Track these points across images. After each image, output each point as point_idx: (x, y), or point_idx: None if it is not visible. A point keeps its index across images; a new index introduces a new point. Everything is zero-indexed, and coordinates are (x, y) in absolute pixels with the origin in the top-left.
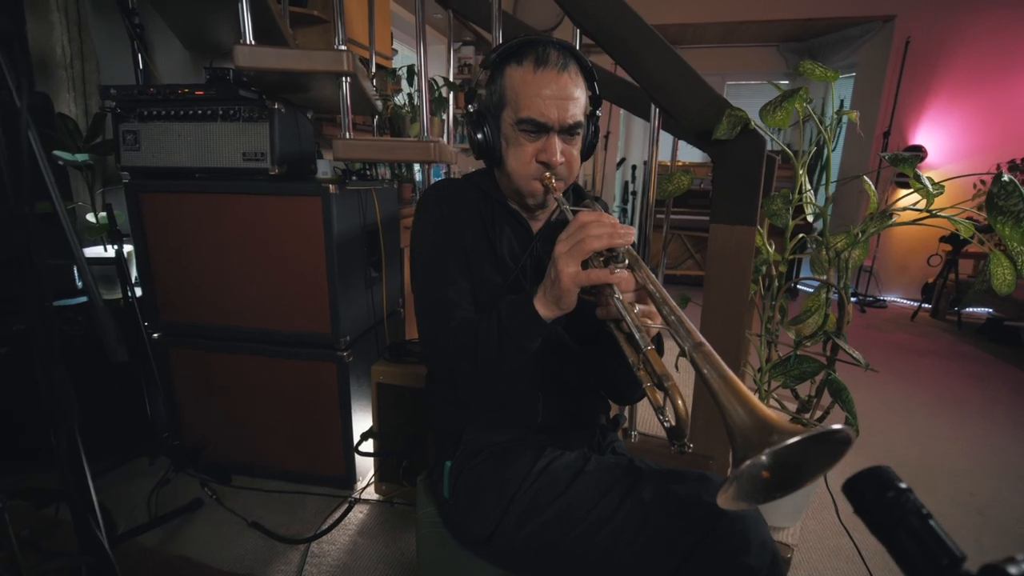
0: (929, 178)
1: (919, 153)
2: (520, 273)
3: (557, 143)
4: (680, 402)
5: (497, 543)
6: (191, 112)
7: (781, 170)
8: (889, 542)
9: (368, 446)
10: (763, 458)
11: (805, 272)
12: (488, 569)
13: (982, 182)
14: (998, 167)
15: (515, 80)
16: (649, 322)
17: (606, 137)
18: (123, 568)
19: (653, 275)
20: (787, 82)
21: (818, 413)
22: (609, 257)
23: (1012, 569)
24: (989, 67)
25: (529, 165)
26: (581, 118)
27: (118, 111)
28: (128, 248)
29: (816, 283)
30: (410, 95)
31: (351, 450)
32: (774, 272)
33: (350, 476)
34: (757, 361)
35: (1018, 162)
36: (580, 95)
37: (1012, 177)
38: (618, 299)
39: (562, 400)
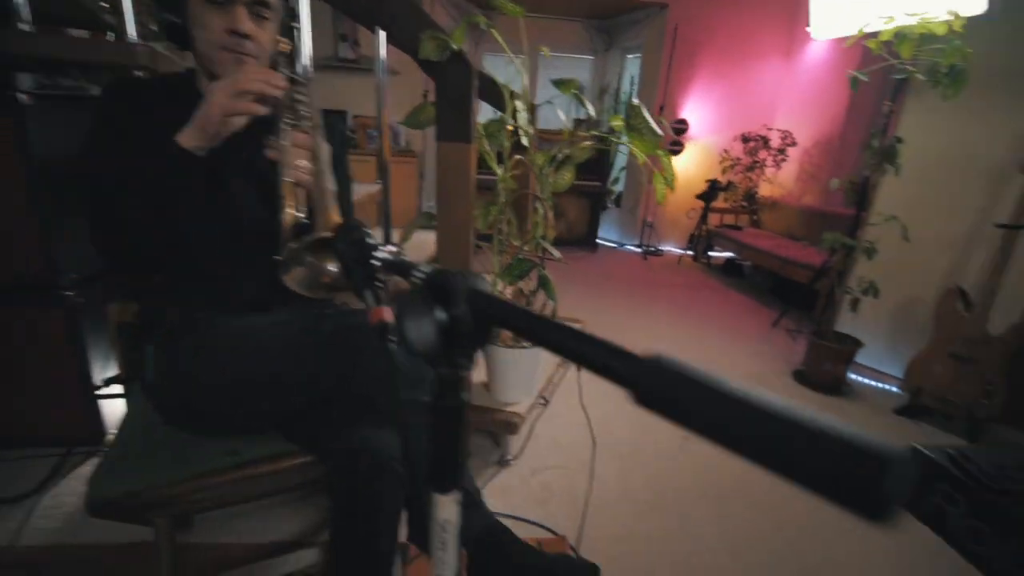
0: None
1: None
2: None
3: (243, 14)
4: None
5: (200, 412)
6: None
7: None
8: (349, 275)
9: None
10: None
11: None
12: (189, 440)
13: (725, 152)
14: (743, 137)
15: None
16: (302, 174)
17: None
18: None
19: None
20: (592, 56)
21: (537, 306)
22: (296, 117)
23: None
24: (735, 54)
25: (216, 33)
26: None
27: None
28: None
29: None
30: None
31: (93, 404)
32: (500, 188)
33: (96, 431)
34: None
35: (748, 135)
36: None
37: (639, 101)
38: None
39: (266, 281)
